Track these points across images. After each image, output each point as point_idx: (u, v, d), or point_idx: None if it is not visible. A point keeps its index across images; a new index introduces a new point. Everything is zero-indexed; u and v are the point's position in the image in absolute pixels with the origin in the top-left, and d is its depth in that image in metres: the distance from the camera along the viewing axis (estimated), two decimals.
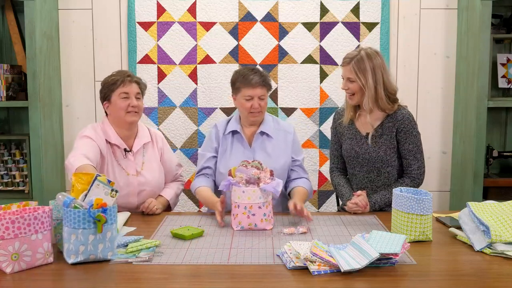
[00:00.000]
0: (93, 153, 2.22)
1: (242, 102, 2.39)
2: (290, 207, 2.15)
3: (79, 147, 2.22)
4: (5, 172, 3.23)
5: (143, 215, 2.28)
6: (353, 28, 3.26)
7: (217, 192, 2.44)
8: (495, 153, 3.24)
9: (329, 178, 3.24)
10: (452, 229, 1.97)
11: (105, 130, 2.35)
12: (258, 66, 3.24)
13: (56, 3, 3.19)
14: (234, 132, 2.47)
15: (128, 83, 2.31)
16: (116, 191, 1.82)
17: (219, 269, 1.63)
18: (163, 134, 3.26)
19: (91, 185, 1.80)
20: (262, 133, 2.45)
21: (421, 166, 2.38)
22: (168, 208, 2.47)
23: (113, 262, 1.67)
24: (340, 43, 3.27)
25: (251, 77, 2.36)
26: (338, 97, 3.28)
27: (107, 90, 2.32)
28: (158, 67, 3.27)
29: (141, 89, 2.38)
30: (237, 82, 2.40)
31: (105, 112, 2.40)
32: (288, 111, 3.30)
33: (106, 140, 2.32)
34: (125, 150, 2.35)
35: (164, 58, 3.27)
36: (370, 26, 3.26)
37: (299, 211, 2.13)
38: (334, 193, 3.21)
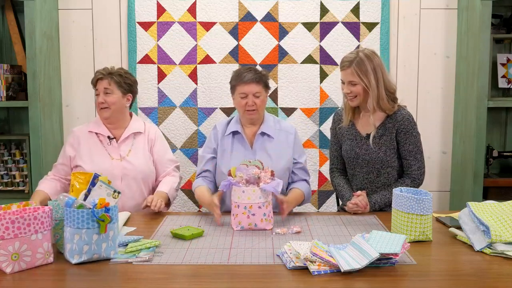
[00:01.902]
0: (62, 166, 2.52)
1: (238, 100, 2.40)
2: (277, 200, 2.17)
3: (53, 167, 2.57)
4: (5, 172, 3.23)
5: (143, 215, 2.28)
6: (353, 28, 3.26)
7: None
8: (495, 153, 3.25)
9: (329, 178, 3.24)
10: (452, 229, 1.97)
11: (93, 122, 2.57)
12: (258, 66, 3.24)
13: (56, 3, 3.19)
14: (235, 133, 2.46)
15: (96, 81, 2.51)
16: (119, 192, 1.83)
17: (219, 269, 1.63)
18: (163, 134, 3.27)
19: (90, 184, 1.81)
20: (263, 133, 2.45)
21: (421, 167, 2.38)
22: (168, 201, 2.48)
23: (113, 262, 1.68)
24: (340, 43, 3.27)
25: (245, 75, 2.38)
26: (338, 97, 3.28)
27: (93, 88, 2.55)
28: (158, 67, 3.27)
29: (115, 82, 2.48)
30: (232, 81, 2.43)
31: None
32: (288, 111, 3.30)
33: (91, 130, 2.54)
34: (108, 137, 2.51)
35: (164, 58, 3.27)
36: (370, 26, 3.26)
37: (282, 209, 2.16)
38: (334, 193, 3.21)
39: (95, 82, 2.51)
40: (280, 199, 2.15)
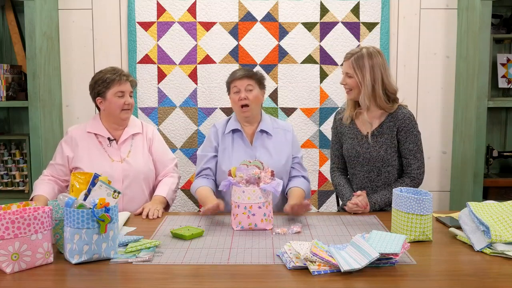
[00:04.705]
0: (60, 167, 2.46)
1: (233, 97, 2.47)
2: (287, 210, 2.17)
3: (49, 166, 2.49)
4: (5, 172, 3.23)
5: (142, 215, 2.28)
6: (353, 28, 3.26)
7: (218, 192, 2.45)
8: (495, 153, 3.24)
9: (329, 178, 3.24)
10: (452, 229, 1.97)
11: (90, 122, 2.52)
12: (258, 66, 3.24)
13: (56, 3, 3.19)
14: (234, 131, 2.49)
15: (123, 82, 2.43)
16: (119, 192, 1.83)
17: (219, 269, 1.63)
18: (163, 134, 3.28)
19: (90, 185, 1.81)
20: (262, 131, 2.48)
21: (421, 166, 2.38)
22: (167, 204, 2.49)
23: (113, 262, 1.68)
24: (340, 43, 3.27)
25: (237, 72, 2.49)
26: (338, 97, 3.28)
27: (102, 87, 2.43)
28: (158, 67, 3.27)
29: (132, 87, 2.51)
30: (227, 80, 2.52)
31: (97, 106, 2.51)
32: (288, 111, 3.30)
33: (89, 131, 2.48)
34: (108, 139, 2.47)
35: (164, 58, 3.27)
36: (370, 26, 3.26)
37: (299, 207, 2.15)
38: (334, 193, 3.21)
39: (117, 84, 2.41)
40: (290, 206, 2.16)
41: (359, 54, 2.34)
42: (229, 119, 2.56)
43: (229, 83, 2.49)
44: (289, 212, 2.18)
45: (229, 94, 2.51)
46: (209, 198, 2.27)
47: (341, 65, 2.48)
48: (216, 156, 2.48)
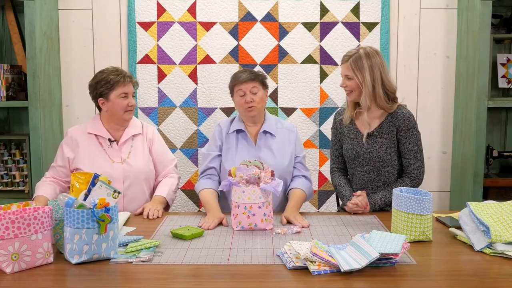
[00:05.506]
0: (61, 169, 2.48)
1: (238, 100, 2.46)
2: (281, 222, 2.16)
3: (51, 168, 2.51)
4: (5, 172, 3.23)
5: (143, 215, 2.28)
6: (353, 28, 3.26)
7: (221, 193, 2.45)
8: (495, 153, 3.25)
9: (329, 178, 3.24)
10: (452, 229, 1.97)
11: (91, 123, 2.52)
12: (258, 66, 3.24)
13: (56, 3, 3.19)
14: (238, 131, 2.50)
15: (127, 84, 2.44)
16: (119, 192, 1.83)
17: (219, 269, 1.63)
18: (163, 134, 3.28)
19: (90, 184, 1.81)
20: (265, 132, 2.48)
21: (420, 166, 2.38)
22: (167, 204, 2.49)
23: (113, 262, 1.68)
24: (340, 43, 3.27)
25: (240, 75, 2.46)
26: (338, 97, 3.28)
27: (105, 88, 2.42)
28: (158, 67, 3.27)
29: (134, 88, 2.53)
30: (231, 83, 2.50)
31: (97, 106, 2.51)
32: (288, 111, 3.30)
33: (90, 132, 2.48)
34: (109, 140, 2.47)
35: (164, 58, 3.27)
36: (370, 26, 3.26)
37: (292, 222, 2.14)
38: (334, 193, 3.21)
39: (121, 85, 2.41)
40: (286, 219, 2.16)
41: (357, 56, 2.34)
42: (233, 119, 2.56)
43: (233, 86, 2.47)
44: (285, 223, 2.17)
45: (232, 96, 2.51)
46: (212, 206, 2.26)
47: (341, 63, 2.47)
48: (220, 155, 2.49)
